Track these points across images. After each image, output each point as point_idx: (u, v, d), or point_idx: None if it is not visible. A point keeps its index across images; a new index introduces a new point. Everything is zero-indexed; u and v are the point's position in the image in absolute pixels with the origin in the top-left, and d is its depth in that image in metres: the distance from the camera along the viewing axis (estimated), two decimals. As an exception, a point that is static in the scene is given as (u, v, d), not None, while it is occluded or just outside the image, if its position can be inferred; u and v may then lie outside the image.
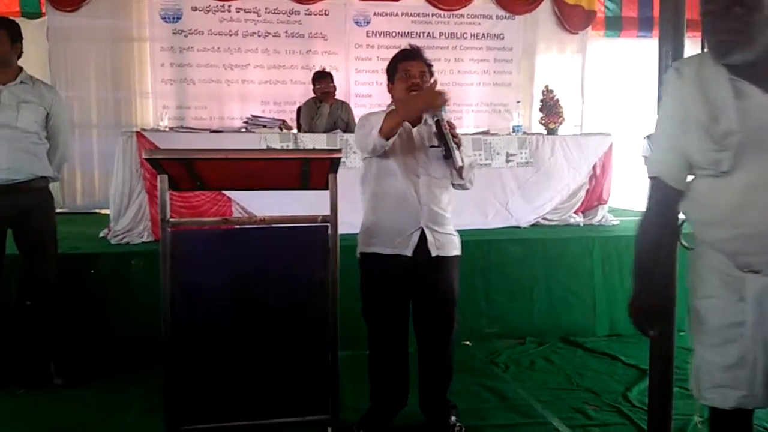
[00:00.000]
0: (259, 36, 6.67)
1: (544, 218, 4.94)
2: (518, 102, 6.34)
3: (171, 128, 5.04)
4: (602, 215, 5.06)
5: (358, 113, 4.92)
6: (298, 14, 6.73)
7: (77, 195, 6.33)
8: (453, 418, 2.67)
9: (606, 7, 7.38)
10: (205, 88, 6.60)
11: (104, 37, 6.37)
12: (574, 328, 4.12)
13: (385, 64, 2.65)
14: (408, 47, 2.64)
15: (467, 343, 3.93)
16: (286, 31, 6.73)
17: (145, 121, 6.41)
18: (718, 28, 1.49)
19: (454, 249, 2.60)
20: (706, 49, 1.57)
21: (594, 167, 5.03)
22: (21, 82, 3.12)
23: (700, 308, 1.65)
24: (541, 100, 5.30)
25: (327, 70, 5.69)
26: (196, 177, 2.23)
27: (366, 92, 6.82)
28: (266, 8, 6.65)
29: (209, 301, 2.15)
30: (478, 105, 7.18)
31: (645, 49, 6.43)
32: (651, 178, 1.71)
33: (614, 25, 7.41)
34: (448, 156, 2.47)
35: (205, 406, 2.16)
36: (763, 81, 1.47)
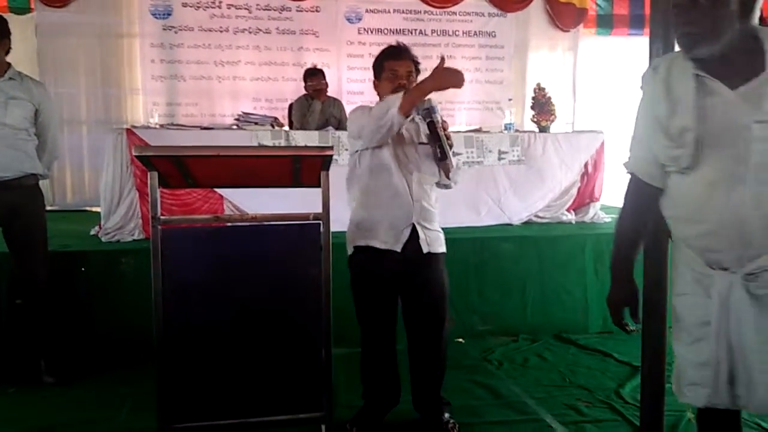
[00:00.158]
0: (250, 32, 6.64)
1: (536, 216, 4.94)
2: (510, 99, 6.36)
3: (161, 125, 5.01)
4: (594, 213, 5.07)
5: (350, 110, 4.91)
6: (290, 11, 6.71)
7: (67, 192, 6.28)
8: (446, 415, 2.67)
9: (597, 5, 7.39)
10: (196, 84, 6.57)
11: (93, 33, 6.32)
12: (566, 325, 4.13)
13: (377, 61, 2.63)
14: (395, 45, 2.62)
15: (460, 340, 3.93)
16: (278, 28, 6.70)
17: (135, 118, 6.37)
18: (684, 20, 1.48)
19: (442, 246, 2.61)
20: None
21: (586, 165, 5.04)
22: (9, 78, 3.08)
23: (676, 305, 1.66)
24: (533, 98, 5.31)
25: (319, 67, 5.67)
26: (187, 174, 2.22)
27: (358, 89, 6.81)
28: (257, 4, 6.62)
29: (201, 298, 2.14)
30: (469, 102, 7.18)
31: (636, 46, 6.40)
32: (629, 174, 1.74)
33: (605, 22, 7.43)
34: (443, 158, 2.47)
35: (197, 404, 2.15)
36: (729, 77, 1.46)
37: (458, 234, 4.04)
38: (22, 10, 6.10)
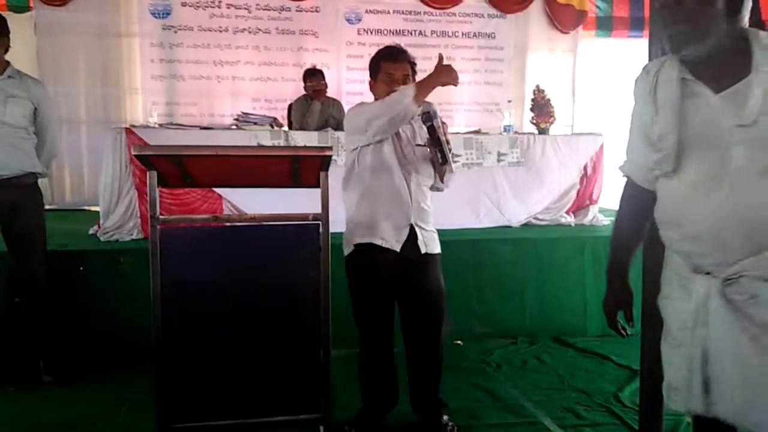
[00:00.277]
0: (250, 32, 6.63)
1: (535, 218, 4.94)
2: (509, 101, 6.33)
3: (161, 125, 5.00)
4: (593, 215, 5.07)
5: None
6: (289, 11, 6.70)
7: (66, 191, 6.27)
8: (445, 417, 2.66)
9: (597, 7, 7.40)
10: (195, 84, 6.56)
11: (93, 32, 6.30)
12: (565, 327, 4.13)
13: (377, 62, 2.62)
14: (392, 46, 2.62)
15: (459, 342, 3.92)
16: (277, 28, 6.69)
17: (134, 118, 6.36)
18: (670, 20, 1.47)
19: (437, 246, 2.62)
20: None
21: (585, 167, 5.04)
22: (8, 76, 3.08)
23: (662, 308, 1.65)
24: (532, 100, 5.31)
25: (318, 67, 5.67)
26: (186, 174, 2.22)
27: (357, 90, 6.78)
28: (257, 4, 6.62)
29: (200, 298, 2.13)
30: (469, 104, 7.19)
31: (636, 49, 6.42)
32: (624, 177, 1.74)
33: (605, 24, 7.43)
34: (443, 162, 2.47)
35: (196, 404, 2.14)
36: (716, 79, 1.45)
37: (457, 236, 4.04)
38: (21, 8, 6.09)
